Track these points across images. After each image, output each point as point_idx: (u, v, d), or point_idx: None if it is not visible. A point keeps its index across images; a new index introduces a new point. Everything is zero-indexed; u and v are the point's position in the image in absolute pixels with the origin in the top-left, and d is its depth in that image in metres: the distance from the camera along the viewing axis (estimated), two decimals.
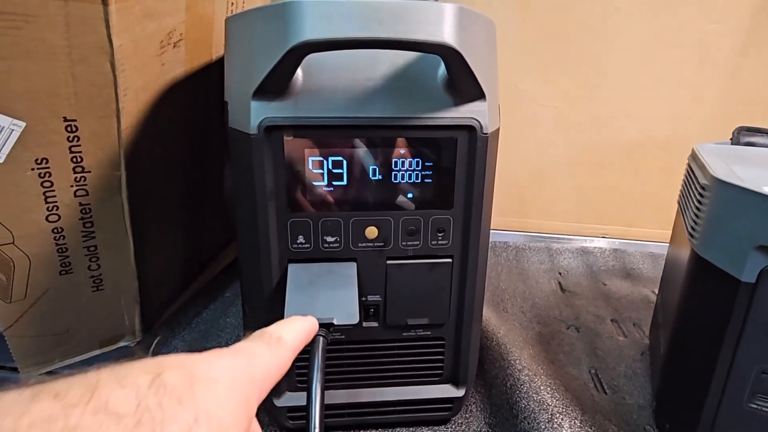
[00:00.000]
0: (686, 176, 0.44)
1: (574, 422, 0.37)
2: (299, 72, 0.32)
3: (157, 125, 0.43)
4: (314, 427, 0.25)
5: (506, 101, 0.73)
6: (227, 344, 0.50)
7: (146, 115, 0.41)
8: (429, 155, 0.34)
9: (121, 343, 0.52)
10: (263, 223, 0.34)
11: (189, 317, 0.53)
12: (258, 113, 0.32)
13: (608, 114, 0.73)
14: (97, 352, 0.51)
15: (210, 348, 0.51)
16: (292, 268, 0.35)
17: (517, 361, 0.43)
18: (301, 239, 0.35)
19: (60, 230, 0.42)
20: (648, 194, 0.77)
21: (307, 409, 0.28)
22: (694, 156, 0.44)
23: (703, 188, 0.36)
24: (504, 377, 0.42)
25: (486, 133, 0.34)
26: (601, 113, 0.73)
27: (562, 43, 0.71)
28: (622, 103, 0.73)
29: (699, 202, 0.37)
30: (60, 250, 0.43)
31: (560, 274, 0.69)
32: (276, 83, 0.31)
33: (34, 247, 0.41)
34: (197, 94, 0.48)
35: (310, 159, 0.33)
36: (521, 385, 0.40)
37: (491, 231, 0.81)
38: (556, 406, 0.38)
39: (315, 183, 0.34)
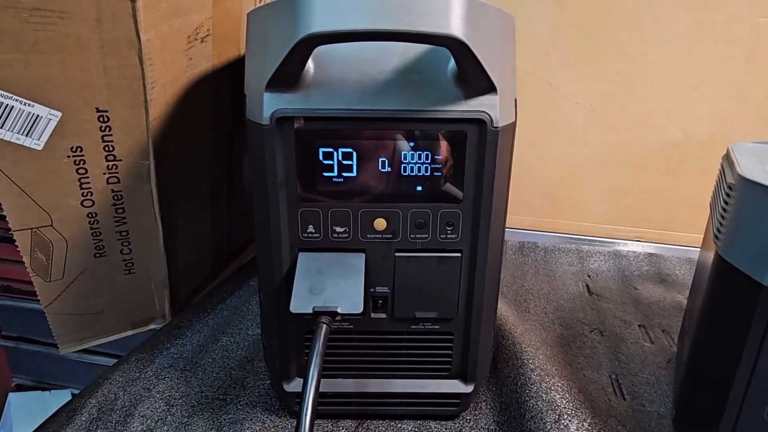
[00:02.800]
0: (718, 176, 0.42)
1: (582, 424, 0.36)
2: (311, 64, 0.33)
3: (185, 117, 0.45)
4: (306, 408, 0.26)
5: (539, 99, 0.72)
6: (247, 331, 0.52)
7: (174, 107, 0.43)
8: (438, 148, 0.34)
9: (152, 326, 0.54)
10: (275, 211, 0.35)
11: (214, 303, 0.55)
12: (270, 105, 0.33)
13: (646, 112, 0.70)
14: (130, 332, 0.54)
15: (231, 333, 0.53)
16: (302, 257, 0.36)
17: (531, 361, 0.43)
18: (311, 229, 0.36)
19: (94, 215, 0.44)
20: (687, 197, 0.73)
21: (302, 392, 0.29)
22: (727, 154, 0.41)
23: (729, 187, 0.35)
24: (516, 376, 0.42)
25: (497, 127, 0.33)
26: (638, 112, 0.71)
27: (598, 38, 0.68)
28: (661, 101, 0.70)
29: (725, 202, 0.35)
30: (94, 234, 0.45)
31: (589, 276, 0.67)
32: (288, 75, 0.32)
33: (70, 230, 0.44)
34: (224, 88, 0.50)
35: (321, 150, 0.34)
36: (531, 384, 0.40)
37: (519, 231, 0.80)
38: (565, 407, 0.37)
39: (325, 174, 0.34)
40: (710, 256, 0.38)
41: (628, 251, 0.73)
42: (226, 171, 0.56)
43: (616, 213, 0.76)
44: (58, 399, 0.88)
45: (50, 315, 0.48)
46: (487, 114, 0.33)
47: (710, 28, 0.65)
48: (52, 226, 0.43)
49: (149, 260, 0.49)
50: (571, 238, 0.77)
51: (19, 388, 0.92)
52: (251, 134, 0.34)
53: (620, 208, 0.76)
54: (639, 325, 0.55)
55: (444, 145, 0.34)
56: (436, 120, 0.33)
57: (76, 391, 0.89)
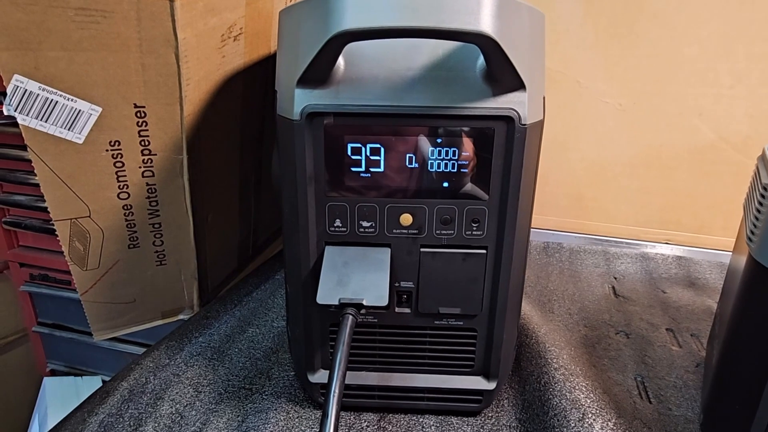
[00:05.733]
0: (752, 177, 0.41)
1: (607, 424, 0.36)
2: (341, 61, 0.34)
3: (217, 113, 0.46)
4: (332, 396, 0.27)
5: (567, 98, 0.72)
6: (272, 323, 0.53)
7: (207, 103, 0.45)
8: (465, 145, 0.34)
9: (181, 316, 0.56)
10: (303, 205, 0.36)
11: (241, 295, 0.56)
12: (301, 100, 0.33)
13: (678, 112, 0.69)
14: (160, 322, 0.55)
15: (256, 324, 0.54)
16: (329, 250, 0.36)
17: (555, 360, 0.42)
18: (338, 223, 0.36)
19: (129, 207, 0.46)
20: (720, 199, 0.71)
21: (328, 381, 0.29)
22: (763, 155, 0.41)
23: (764, 188, 0.34)
24: (539, 374, 0.42)
25: (525, 125, 0.33)
26: (669, 111, 0.69)
27: (629, 36, 0.67)
28: (694, 100, 0.68)
29: (760, 203, 0.34)
30: (129, 226, 0.47)
31: (615, 278, 0.66)
32: (318, 72, 0.33)
33: (107, 222, 0.46)
34: (255, 84, 0.51)
35: (349, 145, 0.34)
36: (555, 383, 0.40)
37: (545, 231, 0.79)
38: (589, 407, 0.37)
39: (353, 169, 0.35)
40: (743, 259, 0.38)
41: (657, 254, 0.71)
42: (255, 166, 0.58)
43: (644, 215, 0.75)
44: (89, 384, 0.91)
45: (86, 303, 0.50)
46: (516, 111, 0.33)
47: (747, 26, 0.64)
48: (90, 217, 0.45)
49: (180, 252, 0.51)
50: (597, 239, 0.76)
51: (53, 373, 0.95)
52: (281, 129, 0.35)
53: (649, 210, 0.75)
54: (667, 329, 0.54)
55: (471, 142, 0.34)
56: (464, 117, 0.33)
57: (106, 378, 0.93)
